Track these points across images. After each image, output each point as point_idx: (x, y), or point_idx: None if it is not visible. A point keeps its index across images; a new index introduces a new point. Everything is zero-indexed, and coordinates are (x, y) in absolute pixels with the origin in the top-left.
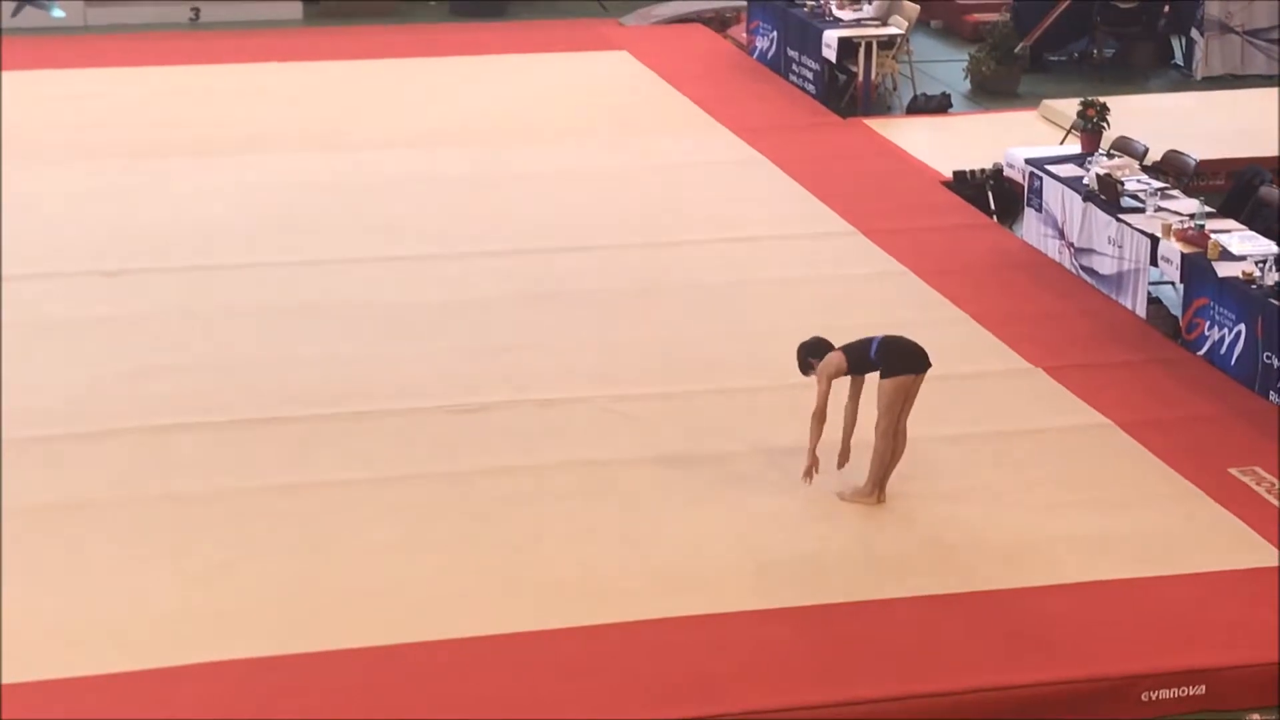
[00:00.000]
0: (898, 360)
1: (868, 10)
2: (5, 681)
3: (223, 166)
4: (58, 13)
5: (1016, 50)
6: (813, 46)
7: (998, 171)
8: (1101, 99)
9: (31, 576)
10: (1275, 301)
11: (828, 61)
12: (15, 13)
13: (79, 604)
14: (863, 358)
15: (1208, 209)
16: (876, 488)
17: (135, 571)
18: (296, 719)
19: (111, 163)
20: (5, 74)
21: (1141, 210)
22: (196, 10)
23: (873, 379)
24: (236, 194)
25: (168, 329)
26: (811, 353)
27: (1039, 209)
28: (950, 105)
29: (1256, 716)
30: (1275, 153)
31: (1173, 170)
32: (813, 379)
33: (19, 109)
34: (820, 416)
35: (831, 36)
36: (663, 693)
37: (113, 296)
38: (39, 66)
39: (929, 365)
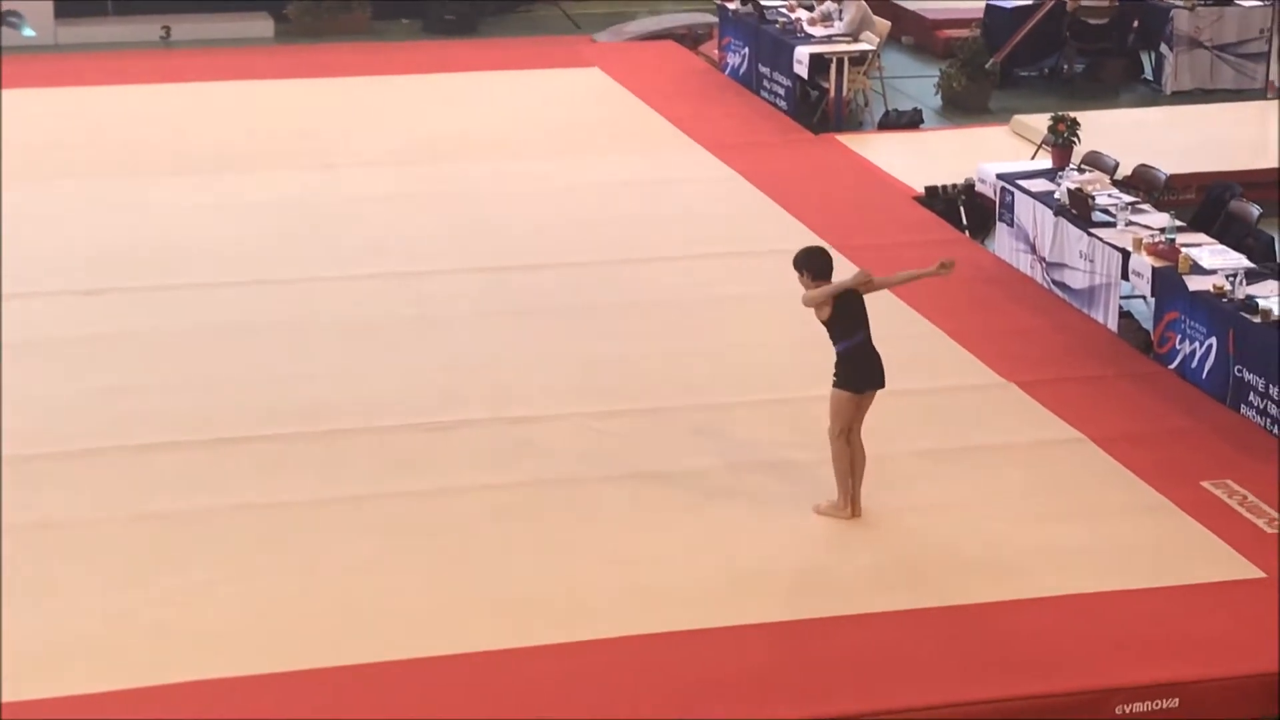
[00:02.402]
0: (854, 375)
1: (839, 27)
2: None
3: (195, 185)
4: (28, 31)
5: (987, 66)
6: (784, 63)
7: (969, 187)
8: (1072, 114)
9: (9, 595)
10: (1246, 315)
11: (799, 78)
12: None
13: (57, 623)
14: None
15: (1178, 223)
16: (849, 501)
17: (113, 590)
18: None
19: (84, 182)
20: None
21: (1112, 225)
22: (167, 29)
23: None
24: (210, 213)
25: (143, 348)
26: (808, 265)
27: (1011, 224)
28: (922, 121)
29: None
30: (1245, 167)
31: (1143, 185)
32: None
33: None
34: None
35: (803, 53)
36: (640, 709)
37: (88, 316)
38: (9, 86)
39: (882, 384)
